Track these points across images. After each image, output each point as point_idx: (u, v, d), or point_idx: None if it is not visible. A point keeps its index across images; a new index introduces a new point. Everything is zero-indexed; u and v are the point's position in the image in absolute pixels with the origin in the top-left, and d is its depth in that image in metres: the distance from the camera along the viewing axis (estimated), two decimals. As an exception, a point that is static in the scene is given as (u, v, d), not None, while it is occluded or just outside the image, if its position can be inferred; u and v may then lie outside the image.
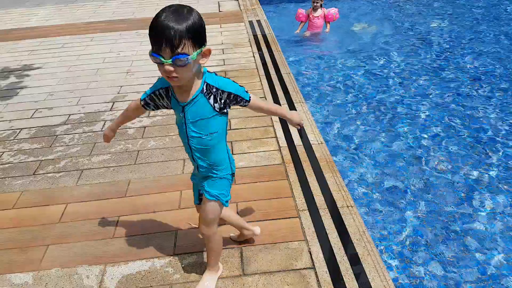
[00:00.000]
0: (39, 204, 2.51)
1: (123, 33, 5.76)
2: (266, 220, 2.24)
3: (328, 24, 6.10)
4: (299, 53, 5.70)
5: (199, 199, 1.74)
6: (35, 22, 6.66)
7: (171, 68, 1.30)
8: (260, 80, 3.99)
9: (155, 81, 1.56)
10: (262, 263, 1.96)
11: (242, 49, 4.91)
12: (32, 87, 4.25)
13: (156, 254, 2.07)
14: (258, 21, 5.90)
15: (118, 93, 3.95)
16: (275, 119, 3.25)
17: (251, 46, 4.95)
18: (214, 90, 1.44)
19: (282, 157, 2.77)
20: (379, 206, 2.89)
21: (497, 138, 3.56)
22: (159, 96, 1.54)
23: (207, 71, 1.48)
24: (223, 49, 4.94)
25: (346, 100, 4.39)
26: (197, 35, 1.30)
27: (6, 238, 2.26)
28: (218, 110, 1.47)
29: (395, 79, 4.82)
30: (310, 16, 6.13)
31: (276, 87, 3.81)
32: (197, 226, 2.23)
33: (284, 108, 1.85)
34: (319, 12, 6.04)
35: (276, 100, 3.56)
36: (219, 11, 6.63)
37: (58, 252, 2.14)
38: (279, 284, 1.85)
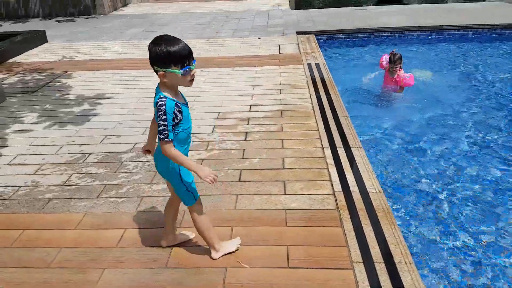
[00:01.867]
0: (100, 227, 2.65)
1: (188, 69, 6.12)
2: (317, 268, 2.18)
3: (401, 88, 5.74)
4: (358, 98, 5.67)
5: None
6: (110, 55, 7.31)
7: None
8: (316, 122, 4.01)
9: (166, 116, 1.85)
10: (311, 313, 1.90)
11: (299, 90, 5.01)
12: (103, 115, 4.61)
13: (206, 289, 2.08)
14: (317, 64, 6.02)
15: (180, 126, 4.16)
16: (331, 161, 3.23)
17: (308, 87, 5.04)
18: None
19: (336, 202, 2.72)
20: (440, 266, 2.70)
21: None
22: (176, 117, 1.87)
23: None
24: (280, 90, 5.07)
25: (407, 149, 4.26)
26: None
27: (66, 257, 2.39)
28: None
29: (460, 131, 4.62)
30: (387, 73, 5.81)
31: (332, 129, 3.81)
32: (247, 266, 2.23)
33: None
34: (395, 74, 5.67)
35: (332, 143, 3.54)
36: (279, 53, 6.87)
37: (113, 276, 2.23)
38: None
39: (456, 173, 3.75)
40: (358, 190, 2.81)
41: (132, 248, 2.45)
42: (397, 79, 5.57)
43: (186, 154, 2.02)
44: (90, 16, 11.54)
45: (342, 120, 4.00)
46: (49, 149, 3.81)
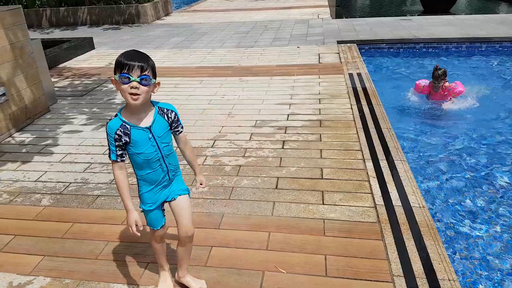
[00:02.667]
0: (144, 224, 2.71)
1: (228, 78, 6.25)
2: (356, 279, 2.13)
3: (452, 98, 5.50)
4: (402, 110, 5.53)
5: (163, 215, 2.00)
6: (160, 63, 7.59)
7: (137, 85, 1.64)
8: (357, 133, 3.95)
9: (107, 136, 1.78)
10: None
11: (339, 100, 4.96)
12: (146, 119, 4.78)
13: (243, 292, 2.09)
14: (359, 74, 5.94)
15: (219, 132, 4.24)
16: (372, 174, 3.16)
17: (349, 98, 4.98)
18: (165, 110, 1.84)
19: (377, 215, 2.66)
20: (486, 284, 2.55)
21: None
22: (119, 138, 1.74)
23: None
24: (319, 99, 5.04)
25: (454, 165, 4.08)
26: (154, 70, 1.72)
27: (113, 250, 2.51)
28: (170, 126, 1.86)
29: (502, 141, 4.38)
30: (430, 90, 5.59)
31: (374, 141, 3.73)
32: (285, 271, 2.22)
33: (196, 167, 2.10)
34: (439, 89, 5.47)
35: (374, 156, 3.47)
36: (319, 62, 6.85)
37: (156, 270, 2.25)
38: None
39: (507, 194, 3.54)
40: (401, 204, 2.73)
41: (174, 245, 2.50)
42: (445, 92, 5.39)
43: (153, 180, 1.86)
44: (134, 25, 12.04)
45: (385, 131, 3.90)
46: (97, 149, 4.00)
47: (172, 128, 1.86)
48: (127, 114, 1.75)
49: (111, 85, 6.21)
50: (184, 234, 1.98)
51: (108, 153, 1.81)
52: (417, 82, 5.71)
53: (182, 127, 1.91)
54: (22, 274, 2.35)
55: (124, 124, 1.73)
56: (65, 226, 2.79)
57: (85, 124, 4.69)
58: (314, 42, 8.42)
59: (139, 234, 1.78)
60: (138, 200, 1.94)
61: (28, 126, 4.69)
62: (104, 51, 8.73)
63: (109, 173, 3.50)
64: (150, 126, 1.76)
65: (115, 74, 1.66)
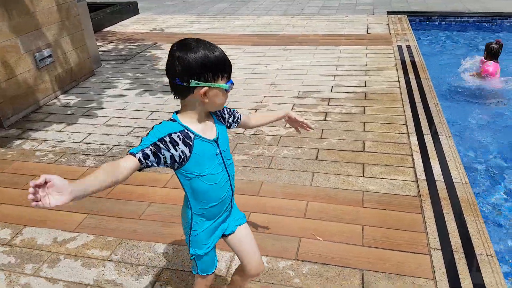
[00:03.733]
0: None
1: (272, 47, 6.21)
2: (393, 250, 2.16)
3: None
4: (451, 86, 5.26)
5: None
6: (196, 29, 7.65)
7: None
8: (403, 106, 3.84)
9: (151, 132, 1.24)
10: (383, 292, 1.91)
11: (386, 72, 4.81)
12: (191, 87, 4.89)
13: (280, 255, 2.19)
14: (408, 47, 5.68)
15: (261, 102, 4.28)
16: (416, 148, 3.10)
17: (397, 71, 4.81)
18: (219, 111, 1.41)
19: (418, 189, 2.63)
20: None
21: None
22: (169, 144, 1.21)
23: None
24: (366, 71, 4.91)
25: (501, 145, 3.89)
26: None
27: (155, 211, 2.65)
28: (229, 126, 1.47)
29: None
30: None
31: (420, 116, 3.62)
32: (321, 239, 2.29)
33: (275, 113, 1.70)
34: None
35: (418, 130, 3.38)
36: (367, 33, 6.60)
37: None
38: (400, 318, 1.78)
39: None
40: (442, 179, 2.68)
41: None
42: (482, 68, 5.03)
43: (215, 214, 1.43)
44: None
45: (431, 106, 3.77)
46: (141, 114, 4.17)
47: (232, 122, 1.47)
48: (188, 120, 1.27)
49: (154, 51, 6.36)
50: (256, 273, 1.59)
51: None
52: (486, 66, 5.15)
53: (237, 112, 1.51)
54: (67, 231, 2.47)
55: (186, 131, 1.25)
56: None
57: (128, 89, 4.87)
58: (363, 12, 8.09)
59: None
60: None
61: (73, 89, 4.91)
62: (148, 16, 8.89)
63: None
64: (216, 139, 1.32)
65: (211, 81, 1.20)
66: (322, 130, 3.60)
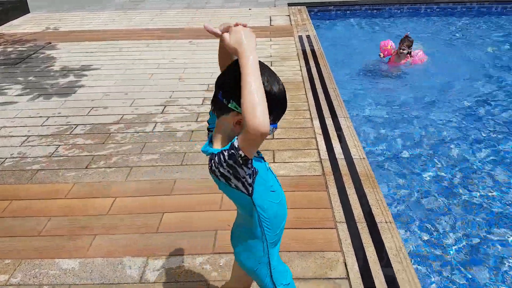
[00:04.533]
0: (89, 196, 2.69)
1: (178, 41, 6.06)
2: (304, 228, 2.27)
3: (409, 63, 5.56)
4: (350, 70, 5.68)
5: None
6: (96, 25, 7.15)
7: None
8: (306, 93, 4.05)
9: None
10: (297, 270, 1.99)
11: (290, 62, 5.00)
12: (89, 86, 4.57)
13: (196, 251, 2.16)
14: (308, 36, 5.98)
15: (170, 97, 4.16)
16: (319, 131, 3.29)
17: (299, 60, 5.04)
18: None
19: (323, 168, 2.80)
20: (418, 224, 2.81)
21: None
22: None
23: None
24: (271, 62, 5.06)
25: (393, 119, 4.33)
26: None
27: (57, 225, 2.42)
28: None
29: (446, 102, 4.68)
30: (393, 57, 5.59)
31: (321, 101, 3.85)
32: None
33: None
34: (403, 59, 5.49)
35: (320, 114, 3.59)
36: (270, 25, 6.79)
37: (104, 242, 2.28)
38: (313, 292, 1.87)
39: (440, 144, 3.83)
40: (343, 157, 2.89)
41: (123, 215, 2.50)
42: (407, 60, 5.47)
43: (279, 239, 1.35)
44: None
45: (331, 91, 4.03)
46: (35, 121, 3.78)
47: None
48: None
49: (48, 51, 5.80)
50: None
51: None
52: (382, 42, 5.62)
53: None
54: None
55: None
56: (2, 204, 2.63)
57: (20, 95, 4.39)
58: (266, 4, 8.31)
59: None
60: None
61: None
62: (40, 15, 8.08)
63: (48, 145, 3.33)
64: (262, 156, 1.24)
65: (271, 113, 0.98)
66: (233, 121, 3.62)
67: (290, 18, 7.03)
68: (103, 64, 5.24)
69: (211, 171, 1.09)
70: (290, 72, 4.69)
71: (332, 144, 3.07)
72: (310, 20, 6.88)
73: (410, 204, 3.01)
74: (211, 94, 3.93)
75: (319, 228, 2.26)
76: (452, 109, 4.50)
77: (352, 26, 7.70)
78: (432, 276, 2.39)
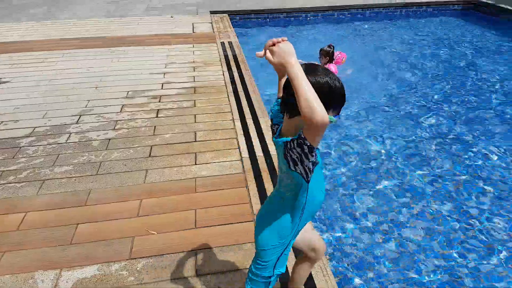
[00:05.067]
0: (-2, 213, 2.50)
1: (98, 50, 5.82)
2: (224, 224, 2.32)
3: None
4: (272, 74, 5.87)
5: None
6: (5, 37, 6.64)
7: None
8: (228, 96, 4.12)
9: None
10: (218, 264, 2.03)
11: (212, 67, 5.06)
12: (-1, 100, 4.22)
13: (112, 259, 2.09)
14: (230, 43, 6.11)
15: (86, 107, 3.99)
16: (240, 132, 3.37)
17: (221, 65, 5.12)
18: None
19: (243, 166, 2.87)
20: (331, 211, 3.01)
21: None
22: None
23: None
24: (194, 67, 5.08)
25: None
26: None
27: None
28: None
29: (360, 99, 5.06)
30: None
31: (242, 102, 3.95)
32: (155, 233, 2.28)
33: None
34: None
35: (242, 115, 3.68)
36: (193, 32, 6.81)
37: (14, 259, 2.13)
38: (229, 284, 1.91)
39: (357, 138, 4.13)
40: (262, 155, 3.00)
41: (35, 229, 2.35)
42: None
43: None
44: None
45: (251, 94, 4.16)
46: None
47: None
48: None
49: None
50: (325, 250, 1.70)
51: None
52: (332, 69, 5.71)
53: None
54: None
55: None
56: None
57: None
58: (188, 12, 8.32)
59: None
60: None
61: None
62: None
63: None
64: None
65: (329, 107, 1.22)
66: (155, 126, 3.58)
67: (212, 26, 7.12)
68: (14, 77, 4.87)
69: (284, 157, 1.26)
70: (213, 76, 4.75)
71: (252, 143, 3.17)
72: (232, 28, 7.03)
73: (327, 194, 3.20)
74: (130, 101, 3.87)
75: (238, 223, 2.31)
76: (364, 106, 4.86)
77: (274, 32, 8.01)
78: (348, 270, 2.55)
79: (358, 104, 4.86)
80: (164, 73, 4.89)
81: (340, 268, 2.49)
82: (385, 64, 6.23)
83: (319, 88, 1.16)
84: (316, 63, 1.31)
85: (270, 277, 1.50)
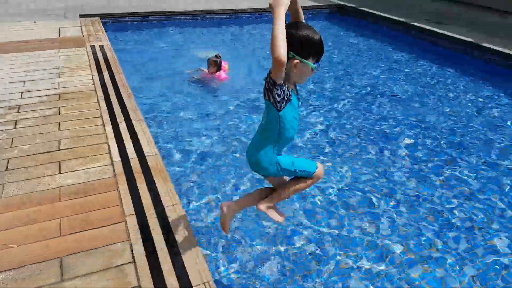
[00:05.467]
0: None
1: None
2: (91, 229, 2.26)
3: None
4: (153, 78, 5.82)
5: None
6: None
7: None
8: (98, 101, 3.96)
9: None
10: (83, 268, 1.98)
11: (81, 72, 4.79)
12: None
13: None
14: (101, 46, 5.84)
15: None
16: (111, 136, 3.29)
17: (91, 69, 4.88)
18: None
19: (114, 170, 2.82)
20: (205, 203, 3.16)
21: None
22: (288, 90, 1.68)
23: None
24: (59, 73, 4.74)
25: (189, 117, 4.68)
26: None
27: None
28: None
29: (233, 96, 5.33)
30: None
31: (114, 106, 3.84)
32: (16, 246, 2.12)
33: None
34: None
35: (114, 120, 3.58)
36: (59, 36, 6.33)
37: None
38: (99, 282, 1.89)
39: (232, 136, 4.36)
40: (136, 157, 2.98)
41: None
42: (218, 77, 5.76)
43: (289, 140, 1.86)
44: None
45: (124, 97, 4.07)
46: None
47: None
48: (289, 84, 1.70)
49: None
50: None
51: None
52: (222, 76, 5.74)
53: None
54: None
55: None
56: None
57: None
58: (55, 17, 7.69)
59: None
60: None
61: None
62: None
63: None
64: (298, 97, 1.80)
65: (305, 57, 1.64)
66: (13, 138, 3.26)
67: (82, 30, 6.71)
68: None
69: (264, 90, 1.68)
70: (81, 82, 4.50)
71: (125, 146, 3.12)
72: (104, 31, 6.73)
73: (201, 187, 3.34)
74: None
75: (107, 226, 2.28)
76: (244, 104, 5.15)
77: (150, 35, 7.92)
78: (219, 259, 2.69)
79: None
80: (24, 81, 4.46)
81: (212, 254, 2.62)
82: (261, 64, 6.68)
83: (302, 38, 1.60)
84: (302, 22, 1.71)
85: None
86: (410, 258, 2.69)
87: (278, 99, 1.63)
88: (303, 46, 1.60)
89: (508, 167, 3.84)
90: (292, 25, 1.62)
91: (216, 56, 5.74)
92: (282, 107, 1.65)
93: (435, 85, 5.95)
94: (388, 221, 3.04)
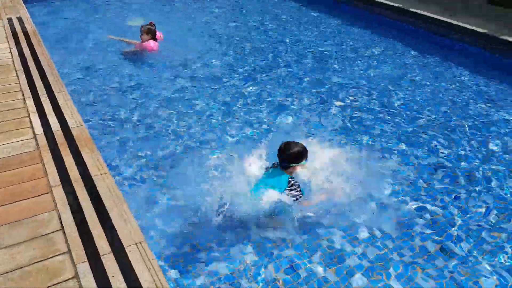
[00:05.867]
0: None
1: None
2: (16, 202, 2.22)
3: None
4: (75, 50, 5.54)
5: None
6: None
7: None
8: (17, 75, 3.74)
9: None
10: (8, 240, 1.96)
11: (-4, 46, 4.44)
12: None
13: None
14: (19, 18, 5.41)
15: None
16: (32, 109, 3.15)
17: (8, 42, 4.54)
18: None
19: (37, 143, 2.73)
20: (132, 174, 3.21)
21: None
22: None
23: None
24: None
25: (115, 86, 4.61)
26: None
27: None
28: None
29: (169, 68, 5.26)
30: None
31: (35, 79, 3.65)
32: None
33: None
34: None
35: (35, 93, 3.42)
36: (-33, 7, 5.74)
37: None
38: (25, 252, 1.90)
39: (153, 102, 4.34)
40: (60, 129, 2.90)
41: None
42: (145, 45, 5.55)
43: None
44: None
45: (46, 68, 3.87)
46: None
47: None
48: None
49: None
50: None
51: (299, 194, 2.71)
52: (147, 44, 5.52)
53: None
54: None
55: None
56: None
57: None
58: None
59: None
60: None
61: None
62: None
63: None
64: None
65: (301, 162, 2.71)
66: None
67: (-5, 0, 6.14)
68: None
69: None
70: (-3, 56, 4.19)
71: (48, 119, 3.01)
72: (22, 2, 6.21)
73: (127, 156, 3.37)
74: None
75: (31, 198, 2.25)
76: (180, 75, 5.10)
77: (75, 7, 7.45)
78: (146, 214, 2.76)
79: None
80: None
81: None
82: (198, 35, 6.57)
83: (299, 153, 2.65)
84: (290, 142, 2.70)
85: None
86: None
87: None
88: (302, 155, 2.69)
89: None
90: (288, 147, 2.66)
91: (150, 24, 5.57)
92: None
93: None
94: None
